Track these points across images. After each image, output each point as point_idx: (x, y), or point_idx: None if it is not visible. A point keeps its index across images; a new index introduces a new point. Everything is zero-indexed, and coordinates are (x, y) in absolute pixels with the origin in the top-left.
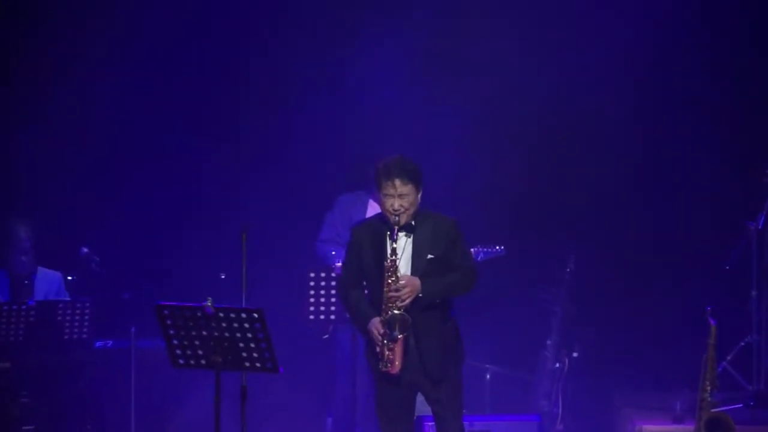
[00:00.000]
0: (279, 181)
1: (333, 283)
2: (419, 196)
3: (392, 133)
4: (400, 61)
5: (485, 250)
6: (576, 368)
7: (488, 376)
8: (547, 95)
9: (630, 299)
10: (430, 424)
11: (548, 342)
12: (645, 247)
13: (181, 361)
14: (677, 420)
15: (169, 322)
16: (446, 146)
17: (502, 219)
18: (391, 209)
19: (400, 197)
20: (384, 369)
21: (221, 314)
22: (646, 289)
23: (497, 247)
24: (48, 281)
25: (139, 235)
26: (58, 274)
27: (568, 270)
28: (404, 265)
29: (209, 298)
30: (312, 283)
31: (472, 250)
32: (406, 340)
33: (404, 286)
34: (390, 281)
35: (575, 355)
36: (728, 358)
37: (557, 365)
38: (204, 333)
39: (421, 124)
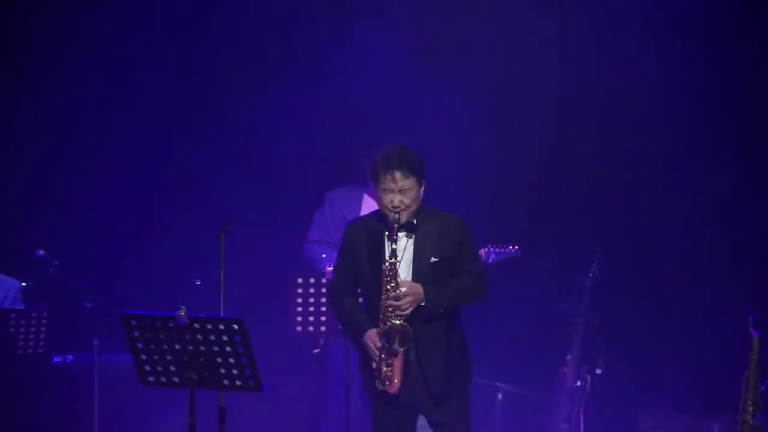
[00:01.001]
0: (262, 175)
1: (323, 290)
2: (422, 191)
3: (389, 120)
4: (398, 40)
5: (497, 250)
6: (600, 387)
7: (500, 396)
8: (567, 79)
9: (661, 308)
10: None
11: (568, 357)
12: (678, 249)
13: (151, 379)
14: None
15: (136, 333)
16: (452, 135)
17: (516, 215)
18: (390, 206)
19: (401, 192)
20: (381, 387)
21: (196, 325)
22: (679, 297)
23: (510, 248)
24: (4, 290)
25: (102, 236)
26: (15, 282)
27: (590, 275)
28: (404, 270)
29: (182, 306)
30: (300, 290)
31: (482, 250)
32: (406, 355)
33: (405, 294)
34: (389, 287)
35: (599, 371)
36: None
37: (578, 383)
38: (177, 346)
39: (422, 111)
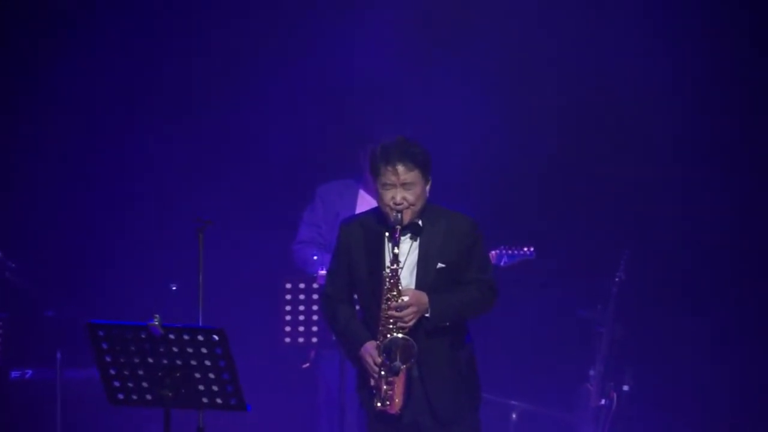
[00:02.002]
0: (245, 168)
1: (315, 297)
2: (427, 188)
3: (389, 107)
4: (398, 17)
5: (510, 252)
6: (627, 405)
7: (514, 416)
8: (588, 67)
9: (699, 315)
10: None
11: (591, 372)
12: (719, 248)
13: (121, 397)
14: None
15: (104, 346)
16: (460, 126)
17: (532, 213)
18: (391, 204)
19: (404, 187)
20: (381, 407)
21: (172, 336)
22: (720, 302)
23: (525, 249)
24: None
25: (66, 236)
26: None
27: (616, 279)
28: (407, 276)
29: (156, 315)
30: (288, 297)
31: (493, 252)
32: (408, 372)
33: (408, 304)
34: (389, 296)
35: (626, 389)
36: None
37: (603, 402)
38: (150, 360)
39: (426, 99)
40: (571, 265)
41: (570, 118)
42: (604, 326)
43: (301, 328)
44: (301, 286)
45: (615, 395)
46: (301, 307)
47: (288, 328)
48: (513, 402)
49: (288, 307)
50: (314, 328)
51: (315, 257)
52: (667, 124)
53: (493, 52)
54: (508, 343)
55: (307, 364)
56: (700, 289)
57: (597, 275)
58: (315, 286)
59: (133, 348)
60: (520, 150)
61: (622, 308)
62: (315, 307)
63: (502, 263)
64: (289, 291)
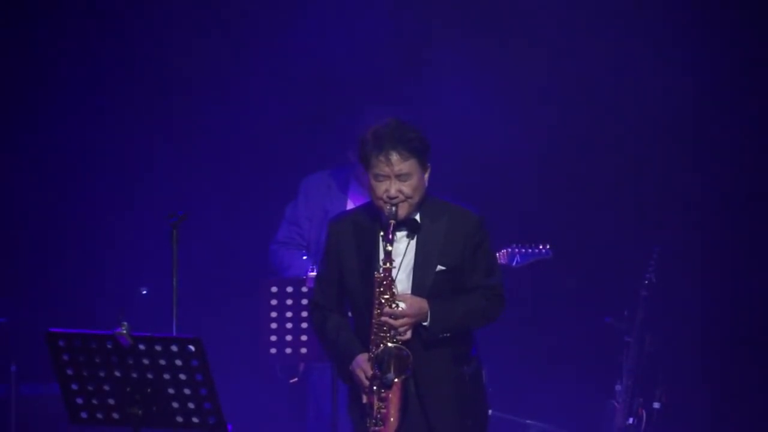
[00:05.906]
0: (224, 157)
1: (304, 302)
2: (426, 177)
3: (383, 88)
4: None
5: (523, 250)
6: (659, 425)
7: None
8: (609, 48)
9: (740, 323)
10: None
11: (617, 387)
12: (763, 247)
13: (84, 415)
14: None
15: (66, 357)
16: (464, 108)
17: (548, 206)
18: (384, 196)
19: (399, 178)
20: (374, 429)
21: (142, 346)
22: (763, 310)
23: (540, 247)
24: None
25: (22, 234)
26: None
27: (646, 282)
28: (403, 279)
29: (124, 322)
30: (274, 302)
31: (504, 251)
32: (404, 387)
33: (404, 313)
34: (382, 300)
35: (656, 406)
36: None
37: (630, 421)
38: (117, 374)
39: (425, 78)
40: (593, 265)
41: (591, 103)
42: (632, 335)
43: (289, 338)
44: (289, 290)
45: (644, 413)
46: (289, 314)
47: (274, 338)
48: (528, 421)
49: (274, 314)
50: (303, 338)
51: (304, 257)
52: (707, 109)
53: (506, 28)
54: (522, 354)
55: (296, 379)
56: (743, 293)
57: (623, 276)
58: (304, 290)
59: (97, 360)
60: (535, 137)
61: (652, 315)
62: (304, 314)
63: (514, 263)
64: (274, 295)
